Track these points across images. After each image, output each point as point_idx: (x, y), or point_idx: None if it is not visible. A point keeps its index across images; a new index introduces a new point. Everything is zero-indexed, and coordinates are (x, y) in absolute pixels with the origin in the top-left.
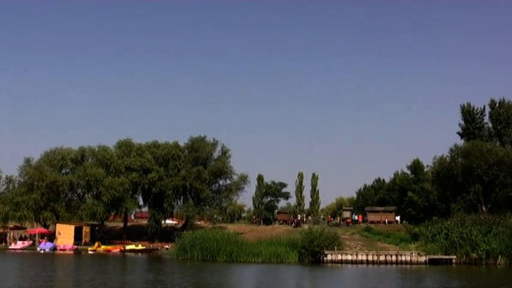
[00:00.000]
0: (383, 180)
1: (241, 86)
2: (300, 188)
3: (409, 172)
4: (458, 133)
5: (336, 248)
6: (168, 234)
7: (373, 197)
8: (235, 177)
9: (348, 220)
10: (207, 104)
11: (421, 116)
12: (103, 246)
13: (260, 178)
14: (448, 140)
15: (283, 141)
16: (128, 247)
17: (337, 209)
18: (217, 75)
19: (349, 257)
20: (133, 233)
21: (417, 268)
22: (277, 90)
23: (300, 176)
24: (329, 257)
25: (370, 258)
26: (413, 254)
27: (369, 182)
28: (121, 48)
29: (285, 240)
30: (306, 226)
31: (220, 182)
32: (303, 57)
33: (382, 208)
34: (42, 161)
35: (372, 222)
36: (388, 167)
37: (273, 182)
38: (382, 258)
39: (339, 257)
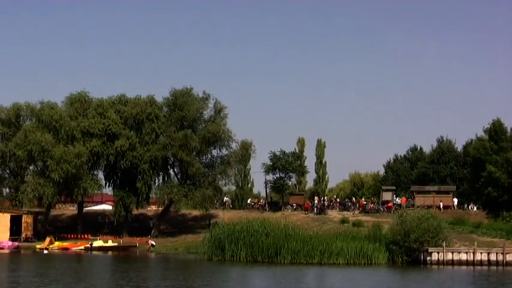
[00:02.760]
0: (420, 149)
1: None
2: (300, 160)
3: (486, 138)
4: None
5: (444, 244)
6: (139, 226)
7: (408, 172)
8: (234, 146)
9: (390, 204)
10: (188, 48)
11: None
12: (57, 243)
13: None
14: None
15: (278, 96)
16: (96, 244)
17: (357, 190)
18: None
19: (464, 257)
20: (87, 224)
21: None
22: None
23: (301, 143)
24: (434, 257)
25: (492, 257)
26: None
27: (401, 152)
28: None
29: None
30: (331, 213)
31: (214, 152)
32: None
33: (435, 188)
34: None
35: (420, 207)
36: (427, 130)
37: (283, 152)
38: (509, 258)
39: (449, 256)
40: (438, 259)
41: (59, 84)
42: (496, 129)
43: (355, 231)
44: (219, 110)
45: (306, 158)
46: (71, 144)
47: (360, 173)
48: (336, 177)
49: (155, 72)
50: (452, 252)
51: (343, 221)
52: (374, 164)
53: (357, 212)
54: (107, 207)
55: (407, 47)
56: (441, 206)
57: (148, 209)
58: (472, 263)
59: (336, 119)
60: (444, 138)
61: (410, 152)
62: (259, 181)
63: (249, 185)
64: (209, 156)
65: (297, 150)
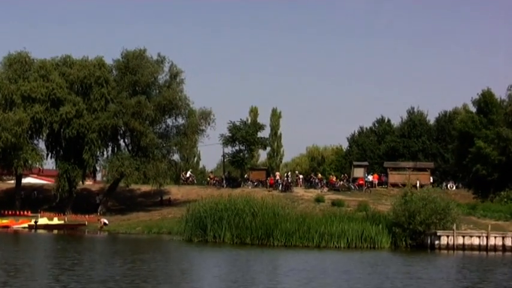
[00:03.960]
0: (388, 121)
1: None
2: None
3: (474, 110)
4: None
5: (454, 227)
6: (82, 202)
7: (375, 146)
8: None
9: (361, 181)
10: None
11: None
12: None
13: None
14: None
15: (230, 63)
16: (41, 221)
17: (316, 165)
18: None
19: (476, 241)
20: (25, 199)
21: None
22: None
23: (253, 113)
24: (443, 241)
25: (507, 243)
26: None
27: (366, 124)
28: None
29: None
30: (297, 190)
31: (169, 122)
32: None
33: (411, 164)
34: None
35: (394, 185)
36: (396, 100)
37: (244, 123)
38: None
39: (459, 240)
40: (448, 243)
41: None
42: (486, 101)
43: (338, 211)
44: (175, 75)
45: (264, 128)
46: (10, 110)
47: (318, 146)
48: (292, 151)
49: (104, 31)
50: (464, 236)
51: (318, 199)
52: (335, 137)
53: (325, 189)
54: (32, 180)
55: (366, 5)
56: (418, 184)
57: (89, 183)
58: (485, 248)
59: (291, 86)
60: (415, 110)
61: (377, 124)
62: (207, 154)
63: (195, 158)
64: (163, 126)
65: (249, 121)
